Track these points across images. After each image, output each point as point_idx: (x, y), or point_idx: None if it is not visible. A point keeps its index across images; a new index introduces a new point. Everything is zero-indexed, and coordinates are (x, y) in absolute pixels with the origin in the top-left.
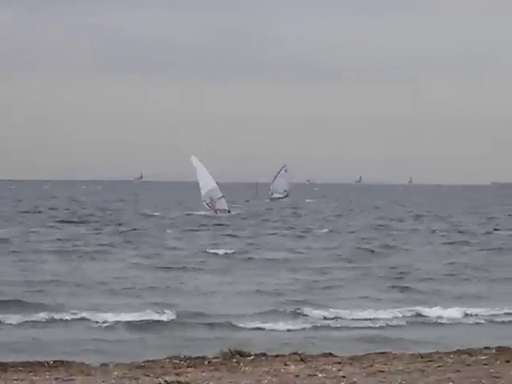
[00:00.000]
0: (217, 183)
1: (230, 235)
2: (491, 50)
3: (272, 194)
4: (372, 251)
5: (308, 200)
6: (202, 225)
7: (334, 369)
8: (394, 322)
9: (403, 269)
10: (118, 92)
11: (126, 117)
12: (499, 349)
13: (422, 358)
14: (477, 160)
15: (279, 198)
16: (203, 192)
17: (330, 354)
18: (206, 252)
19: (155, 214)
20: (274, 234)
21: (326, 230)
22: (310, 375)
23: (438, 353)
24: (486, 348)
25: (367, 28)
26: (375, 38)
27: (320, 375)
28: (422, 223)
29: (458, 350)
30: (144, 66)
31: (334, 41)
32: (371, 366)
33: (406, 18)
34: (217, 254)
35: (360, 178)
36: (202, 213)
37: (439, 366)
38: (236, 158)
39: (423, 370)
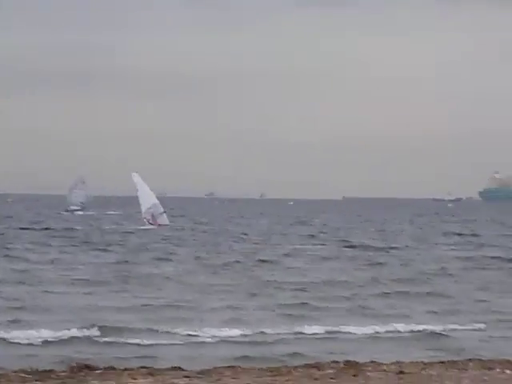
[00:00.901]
0: (157, 198)
1: (99, 249)
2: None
3: (69, 206)
4: (238, 262)
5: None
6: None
7: (181, 382)
8: (262, 338)
9: (273, 284)
10: None
11: None
12: (347, 363)
13: (270, 371)
14: (328, 177)
15: (75, 210)
16: (144, 208)
17: (179, 368)
18: (72, 266)
19: (25, 226)
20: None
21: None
22: None
23: (286, 367)
24: (334, 362)
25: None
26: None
27: None
28: (284, 236)
29: (306, 363)
30: None
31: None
32: (219, 379)
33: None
34: (86, 266)
35: (211, 192)
36: (143, 227)
37: (287, 380)
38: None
39: None
